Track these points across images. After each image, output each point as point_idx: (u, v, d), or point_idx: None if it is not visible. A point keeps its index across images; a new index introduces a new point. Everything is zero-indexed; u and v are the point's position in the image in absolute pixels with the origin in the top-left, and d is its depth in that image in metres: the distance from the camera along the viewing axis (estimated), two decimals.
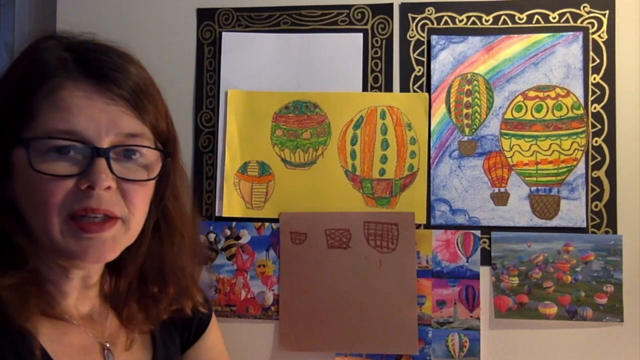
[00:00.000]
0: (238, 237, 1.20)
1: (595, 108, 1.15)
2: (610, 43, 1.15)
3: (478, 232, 1.16)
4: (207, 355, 0.92)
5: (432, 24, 1.19)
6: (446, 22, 1.19)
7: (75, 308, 0.76)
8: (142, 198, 0.72)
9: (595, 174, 1.15)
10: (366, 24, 1.20)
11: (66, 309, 0.74)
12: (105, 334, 0.77)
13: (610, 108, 1.14)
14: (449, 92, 1.18)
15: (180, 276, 0.82)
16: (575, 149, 1.14)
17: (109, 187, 0.67)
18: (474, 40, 1.17)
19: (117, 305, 0.81)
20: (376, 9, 1.20)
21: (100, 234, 0.68)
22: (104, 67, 0.69)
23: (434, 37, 1.18)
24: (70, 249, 0.68)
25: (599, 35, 1.15)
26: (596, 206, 1.14)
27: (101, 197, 0.67)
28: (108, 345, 0.76)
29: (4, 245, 0.68)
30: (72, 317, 0.74)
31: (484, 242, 1.16)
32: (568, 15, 1.16)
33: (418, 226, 1.17)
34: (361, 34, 1.20)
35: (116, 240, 0.70)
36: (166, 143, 0.76)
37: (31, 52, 0.71)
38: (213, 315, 0.95)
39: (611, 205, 1.14)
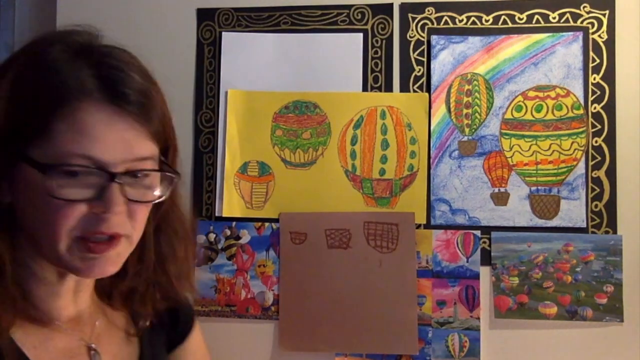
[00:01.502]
0: (238, 237, 1.20)
1: (595, 108, 1.15)
2: (610, 43, 1.15)
3: (478, 232, 1.16)
4: (193, 357, 0.93)
5: (432, 24, 1.19)
6: (446, 22, 1.19)
7: (66, 309, 0.75)
8: (145, 214, 0.72)
9: (595, 174, 1.14)
10: (366, 24, 1.20)
11: (56, 310, 0.74)
12: (92, 335, 0.77)
13: (610, 108, 1.14)
14: (449, 92, 1.18)
15: (170, 274, 0.82)
16: (575, 149, 1.14)
17: (120, 211, 0.67)
18: (474, 40, 1.17)
19: (107, 297, 0.81)
20: (376, 9, 1.20)
21: (105, 253, 0.68)
22: (127, 89, 0.68)
23: (434, 37, 1.18)
24: (76, 266, 0.68)
25: (599, 35, 1.15)
26: (596, 206, 1.14)
27: (111, 221, 0.67)
28: (94, 346, 0.76)
29: None
30: (60, 319, 0.74)
31: (484, 242, 1.16)
32: (568, 15, 1.16)
33: (418, 226, 1.17)
34: (361, 34, 1.20)
35: (120, 256, 0.70)
36: (166, 152, 0.75)
37: (45, 59, 0.68)
38: (195, 318, 0.96)
39: (611, 205, 1.14)
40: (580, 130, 1.14)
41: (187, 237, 0.83)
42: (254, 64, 1.21)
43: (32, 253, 0.70)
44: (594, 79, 1.15)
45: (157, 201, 0.72)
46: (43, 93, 0.67)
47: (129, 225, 0.69)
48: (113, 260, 0.70)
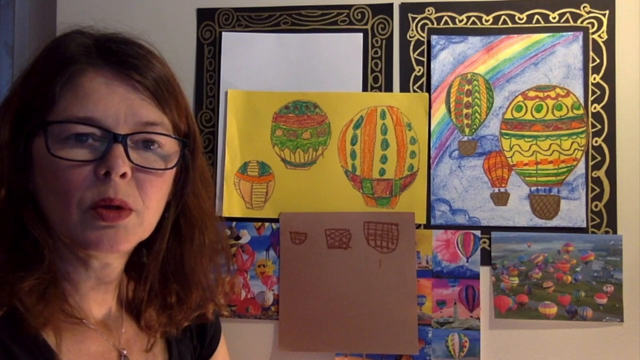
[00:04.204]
0: (238, 237, 1.20)
1: (595, 108, 1.15)
2: (610, 43, 1.15)
3: (478, 232, 1.16)
4: None
5: (432, 24, 1.19)
6: (446, 22, 1.19)
7: (91, 311, 0.75)
8: (157, 190, 0.71)
9: (595, 174, 1.15)
10: (366, 24, 1.20)
11: (83, 310, 0.73)
12: (121, 341, 0.77)
13: (610, 108, 1.14)
14: (449, 92, 1.18)
15: (201, 276, 0.81)
16: (575, 149, 1.14)
17: (124, 175, 0.67)
18: (474, 40, 1.17)
19: (136, 311, 0.80)
20: (376, 9, 1.20)
21: (115, 223, 0.67)
22: (126, 55, 0.70)
23: (434, 37, 1.18)
24: (87, 237, 0.67)
25: (599, 35, 1.15)
26: (596, 206, 1.14)
27: (117, 186, 0.66)
28: (125, 352, 0.76)
29: (23, 240, 0.68)
30: (88, 320, 0.73)
31: (484, 242, 1.16)
32: (568, 15, 1.16)
33: (418, 226, 1.17)
34: (361, 34, 1.20)
35: (128, 231, 0.69)
36: (186, 140, 0.76)
37: (56, 41, 0.72)
38: (221, 331, 0.96)
39: (611, 205, 1.14)
40: (580, 130, 1.15)
41: (210, 234, 0.81)
42: (254, 64, 1.21)
43: (54, 246, 0.70)
44: (594, 79, 1.15)
45: (163, 170, 0.71)
46: (48, 61, 0.70)
47: (138, 199, 0.69)
48: (122, 235, 0.69)
